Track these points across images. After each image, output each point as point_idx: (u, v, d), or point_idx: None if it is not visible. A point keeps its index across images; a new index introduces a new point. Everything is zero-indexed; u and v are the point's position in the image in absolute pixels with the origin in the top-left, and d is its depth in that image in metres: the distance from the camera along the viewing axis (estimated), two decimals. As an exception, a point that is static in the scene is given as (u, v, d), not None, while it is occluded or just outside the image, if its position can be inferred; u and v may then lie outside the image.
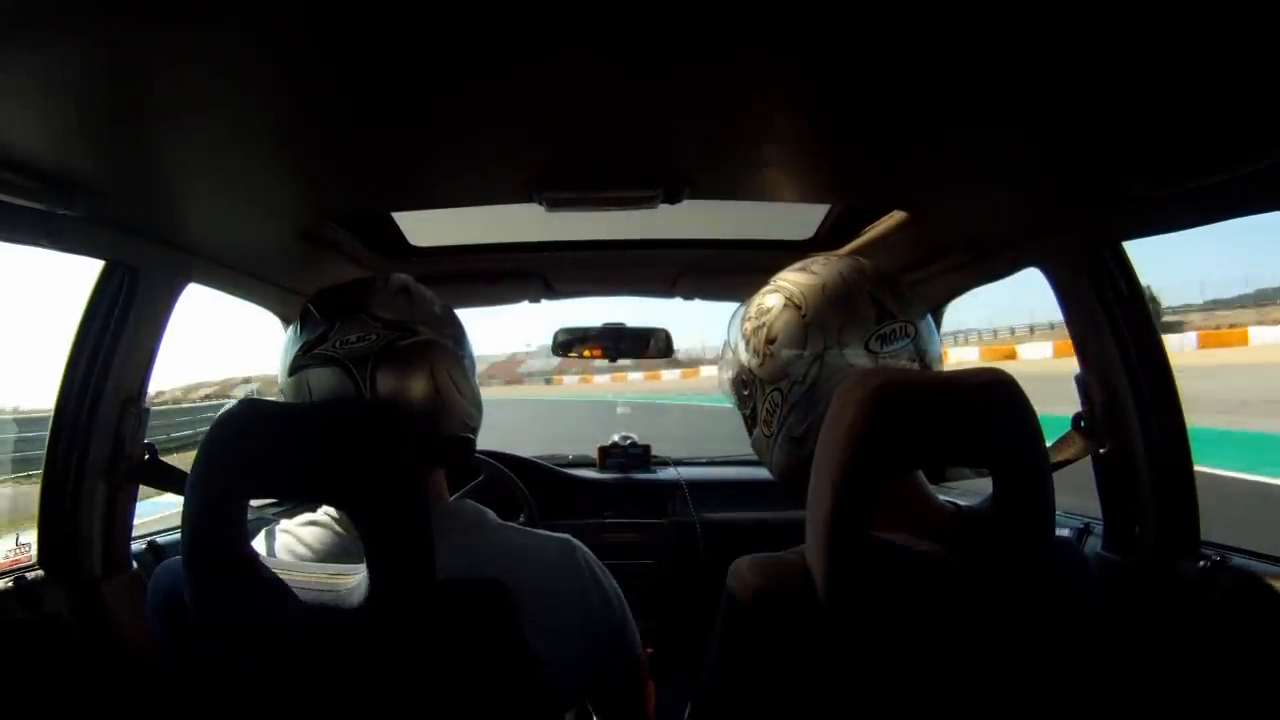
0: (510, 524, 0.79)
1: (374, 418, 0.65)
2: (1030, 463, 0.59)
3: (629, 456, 1.91)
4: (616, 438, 1.95)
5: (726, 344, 0.80)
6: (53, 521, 0.96)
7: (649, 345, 1.80)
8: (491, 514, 0.78)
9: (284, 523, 0.78)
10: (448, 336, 0.77)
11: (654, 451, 1.96)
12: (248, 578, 0.63)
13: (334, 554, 0.71)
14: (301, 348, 0.73)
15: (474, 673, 0.64)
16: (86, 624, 0.93)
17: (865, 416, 0.62)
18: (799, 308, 0.71)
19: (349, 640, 0.64)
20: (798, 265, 0.75)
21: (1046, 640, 0.61)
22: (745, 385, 0.76)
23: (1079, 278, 0.97)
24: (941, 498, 0.70)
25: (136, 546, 1.06)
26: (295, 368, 0.72)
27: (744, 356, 0.75)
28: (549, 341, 1.81)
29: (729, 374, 0.79)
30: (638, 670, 0.84)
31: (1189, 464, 0.92)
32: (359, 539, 0.64)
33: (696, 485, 1.79)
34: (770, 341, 0.72)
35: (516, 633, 0.65)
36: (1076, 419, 0.99)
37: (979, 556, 0.61)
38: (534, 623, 0.66)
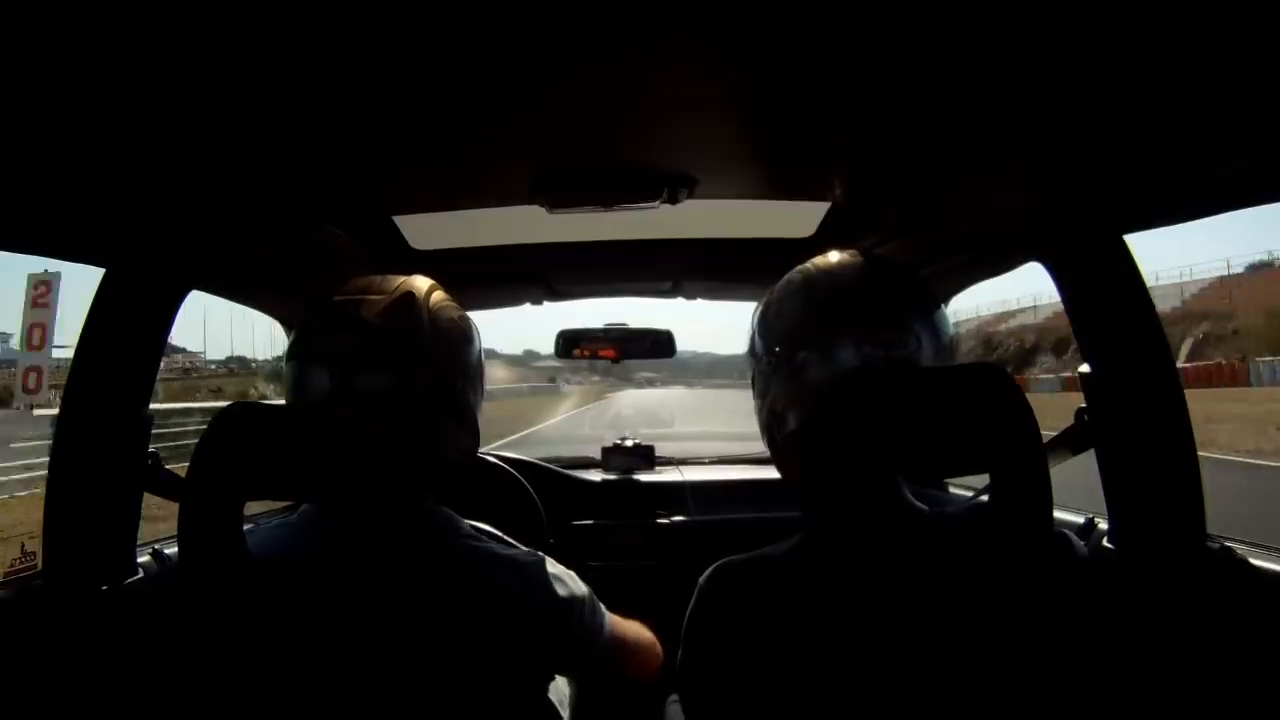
0: (482, 534, 0.79)
1: (363, 421, 0.67)
2: (1024, 460, 0.59)
3: (632, 457, 1.90)
4: (629, 440, 1.94)
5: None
6: (58, 529, 0.96)
7: (651, 345, 1.81)
8: (464, 523, 0.78)
9: (275, 521, 0.79)
10: (446, 354, 0.76)
11: (658, 453, 1.95)
12: (245, 578, 0.65)
13: (323, 552, 0.72)
14: (293, 344, 0.75)
15: (447, 667, 0.68)
16: (91, 631, 0.93)
17: (836, 416, 0.62)
18: (809, 290, 0.72)
19: (343, 637, 0.66)
20: (834, 250, 0.75)
21: (1036, 641, 0.61)
22: (752, 353, 0.78)
23: (1082, 271, 0.97)
24: (912, 498, 0.71)
25: (142, 556, 1.06)
26: (288, 361, 0.75)
27: (755, 324, 0.77)
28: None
29: (747, 341, 0.81)
30: (609, 645, 0.83)
31: (1194, 457, 0.92)
32: (349, 537, 0.67)
33: (700, 486, 1.79)
34: (777, 316, 0.74)
35: (475, 633, 0.69)
36: (1079, 414, 0.98)
37: (959, 561, 0.61)
38: (492, 629, 0.70)
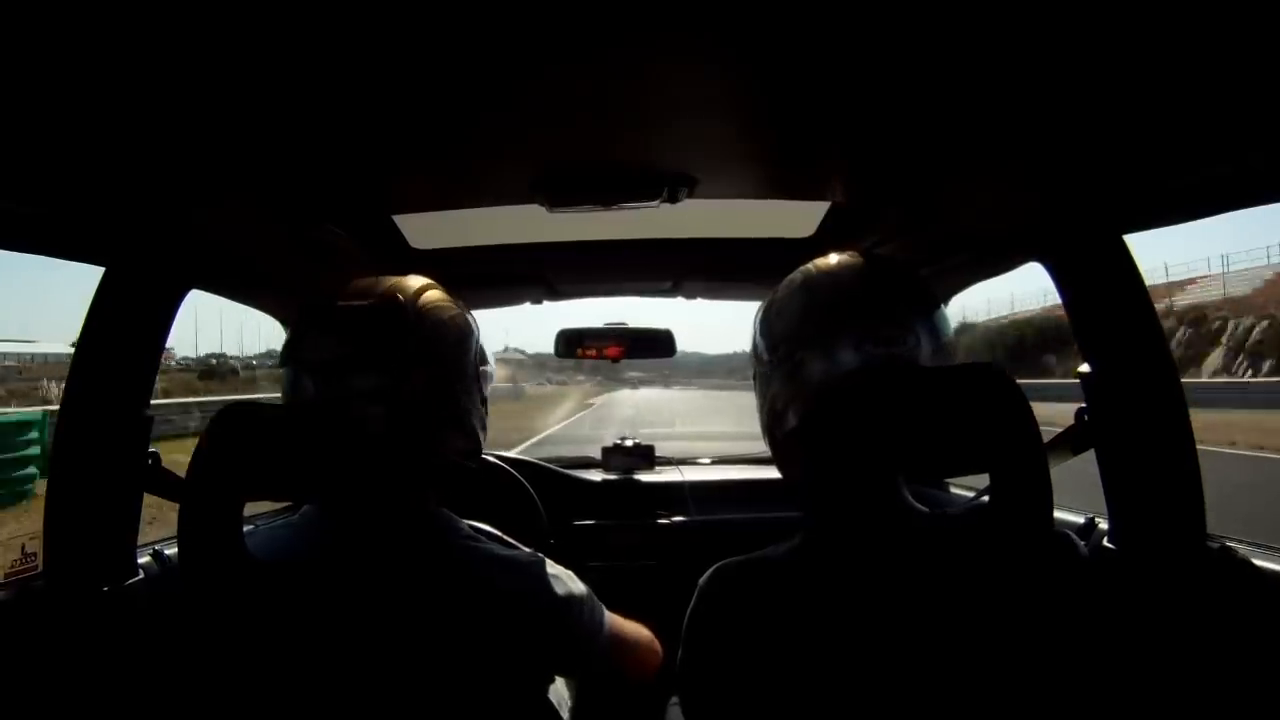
0: (482, 534, 0.79)
1: (357, 424, 0.67)
2: (1024, 460, 0.59)
3: (632, 457, 1.90)
4: (629, 440, 1.94)
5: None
6: (58, 530, 0.96)
7: (652, 346, 1.80)
8: (464, 524, 0.78)
9: (276, 522, 0.79)
10: (442, 354, 0.76)
11: (658, 453, 1.95)
12: (245, 579, 0.65)
13: (323, 553, 0.73)
14: (286, 348, 0.75)
15: (447, 668, 0.69)
16: (92, 632, 0.93)
17: (836, 413, 0.62)
18: (810, 289, 0.72)
19: (343, 638, 0.67)
20: (833, 254, 0.76)
21: (1037, 641, 0.61)
22: (754, 353, 0.78)
23: (1082, 271, 0.97)
24: (911, 499, 0.71)
25: (142, 557, 1.06)
26: (281, 366, 0.76)
27: (757, 324, 0.78)
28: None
29: (750, 341, 0.81)
30: (608, 644, 0.83)
31: (1194, 457, 0.92)
32: (349, 538, 0.67)
33: (700, 486, 1.79)
34: (778, 315, 0.74)
35: (475, 634, 0.70)
36: (1079, 414, 0.98)
37: (959, 561, 0.62)
38: (492, 629, 0.70)
